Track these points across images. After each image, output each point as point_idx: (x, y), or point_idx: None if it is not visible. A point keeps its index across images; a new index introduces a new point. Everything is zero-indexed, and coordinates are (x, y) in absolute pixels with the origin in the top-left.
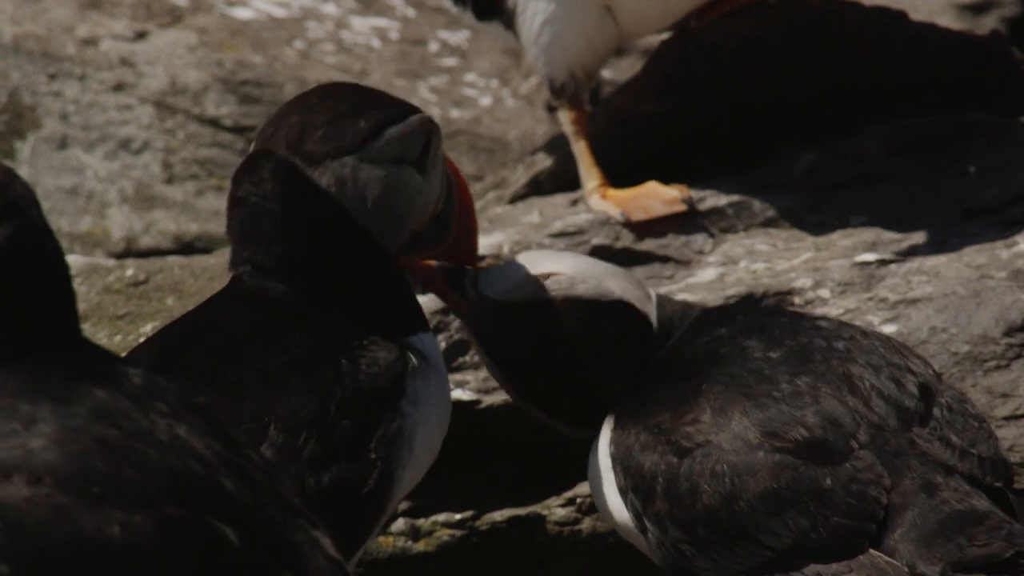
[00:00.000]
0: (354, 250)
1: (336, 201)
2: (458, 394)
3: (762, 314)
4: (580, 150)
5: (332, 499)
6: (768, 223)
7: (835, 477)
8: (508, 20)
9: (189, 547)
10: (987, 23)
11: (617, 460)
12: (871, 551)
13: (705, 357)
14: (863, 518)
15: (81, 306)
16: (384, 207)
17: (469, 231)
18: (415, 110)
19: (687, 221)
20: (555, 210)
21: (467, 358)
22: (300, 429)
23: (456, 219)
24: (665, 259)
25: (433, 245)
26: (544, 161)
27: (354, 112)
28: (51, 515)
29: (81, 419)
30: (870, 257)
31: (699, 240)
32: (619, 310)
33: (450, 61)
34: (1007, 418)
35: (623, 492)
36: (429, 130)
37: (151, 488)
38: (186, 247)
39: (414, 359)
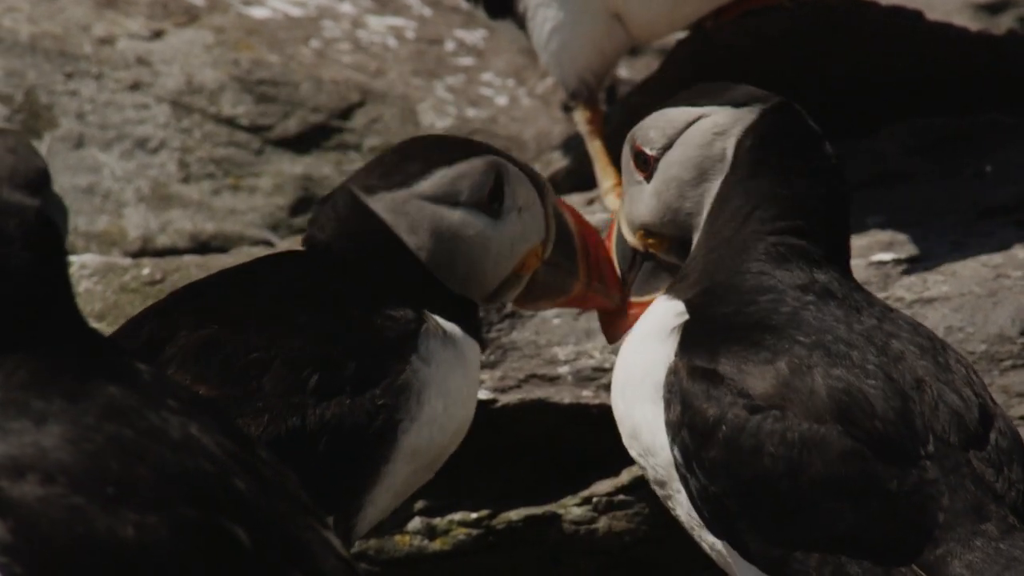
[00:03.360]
0: (414, 282)
1: (391, 231)
2: None
3: (855, 291)
4: (596, 150)
5: (333, 434)
6: None
7: (901, 482)
8: (520, 22)
9: (202, 548)
10: (1004, 23)
11: (676, 392)
12: (913, 566)
13: (791, 311)
14: (918, 531)
15: (97, 305)
16: (441, 246)
17: (603, 278)
18: (482, 152)
19: None
20: None
21: (483, 357)
22: (305, 364)
23: (581, 265)
24: None
25: (557, 293)
26: (560, 161)
27: (416, 155)
28: (65, 515)
29: (93, 417)
30: (886, 257)
31: None
32: None
33: (466, 60)
34: (1023, 418)
35: (673, 426)
36: (498, 172)
37: (165, 489)
38: (202, 246)
39: (433, 324)
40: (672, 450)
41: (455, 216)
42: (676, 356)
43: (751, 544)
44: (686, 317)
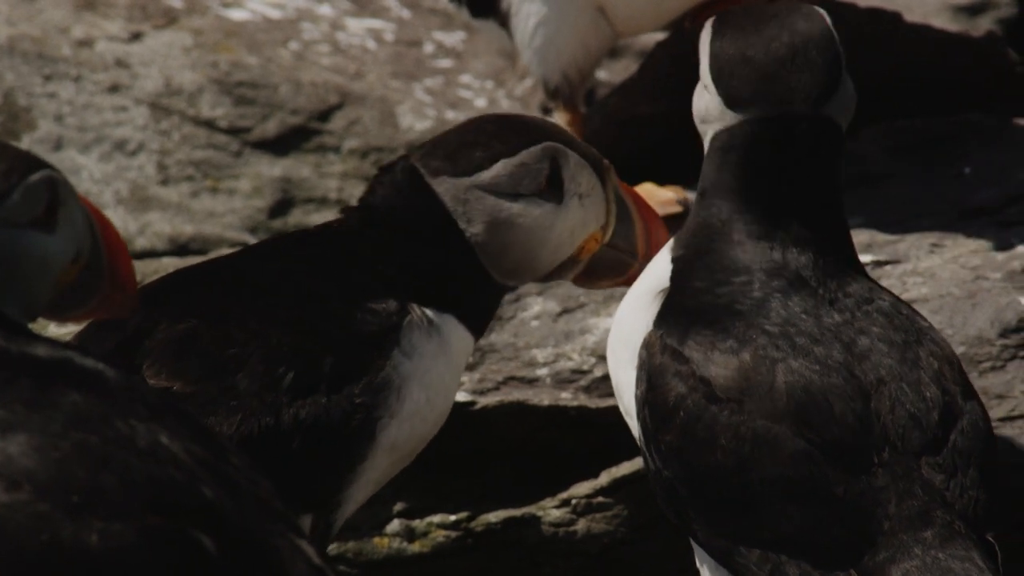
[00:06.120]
0: (462, 270)
1: (449, 215)
2: None
3: (831, 277)
4: None
5: (309, 433)
6: None
7: (849, 488)
8: (502, 20)
9: (167, 557)
10: (983, 24)
11: (645, 367)
12: (852, 571)
13: (761, 298)
14: (861, 537)
15: None
16: (497, 237)
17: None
18: (542, 137)
19: (683, 223)
20: None
21: None
22: (281, 362)
23: (640, 248)
24: None
25: (616, 274)
26: None
27: (480, 141)
28: (29, 522)
29: (59, 424)
30: (866, 258)
31: None
32: None
33: (445, 63)
34: (1002, 419)
35: (639, 401)
36: (554, 158)
37: (130, 497)
38: (181, 248)
39: (417, 314)
40: (637, 425)
41: (515, 208)
42: (653, 327)
43: (699, 531)
44: (669, 284)
